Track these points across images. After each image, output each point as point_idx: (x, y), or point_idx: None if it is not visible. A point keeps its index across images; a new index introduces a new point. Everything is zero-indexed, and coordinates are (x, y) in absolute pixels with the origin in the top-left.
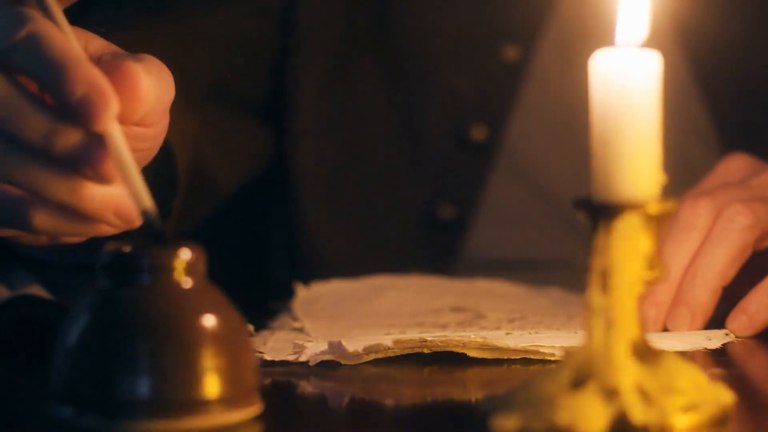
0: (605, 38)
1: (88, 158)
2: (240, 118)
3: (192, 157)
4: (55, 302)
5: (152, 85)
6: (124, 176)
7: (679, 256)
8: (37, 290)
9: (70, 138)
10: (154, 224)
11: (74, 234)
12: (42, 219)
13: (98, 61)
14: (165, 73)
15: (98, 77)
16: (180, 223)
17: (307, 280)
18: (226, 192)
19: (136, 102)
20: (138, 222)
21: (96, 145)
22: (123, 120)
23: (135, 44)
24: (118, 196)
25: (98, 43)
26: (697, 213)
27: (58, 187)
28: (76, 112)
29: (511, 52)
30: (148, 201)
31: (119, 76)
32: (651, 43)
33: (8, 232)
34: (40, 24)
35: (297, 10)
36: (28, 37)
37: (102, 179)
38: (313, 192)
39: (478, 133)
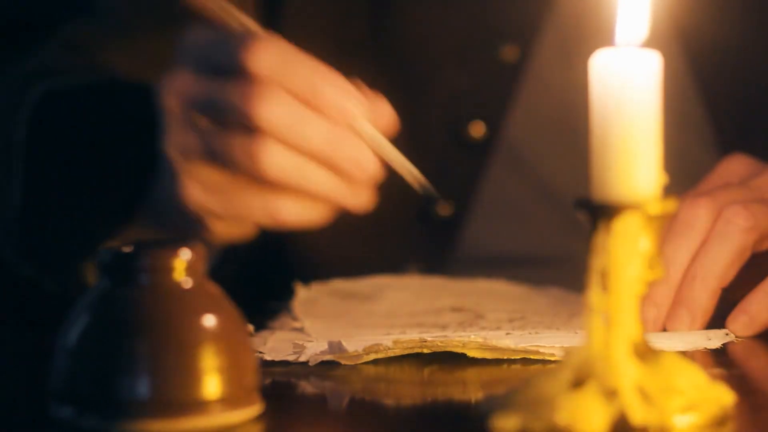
0: (603, 38)
1: (362, 161)
2: None
3: None
4: None
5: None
6: (391, 162)
7: (679, 256)
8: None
9: (347, 142)
10: (429, 191)
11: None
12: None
13: None
14: None
15: (346, 83)
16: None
17: (304, 279)
18: None
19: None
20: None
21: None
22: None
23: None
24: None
25: None
26: (696, 213)
27: (335, 189)
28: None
29: (509, 53)
30: (417, 173)
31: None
32: (651, 43)
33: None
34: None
35: (289, 7)
36: (265, 46)
37: (371, 179)
38: None
39: (476, 130)
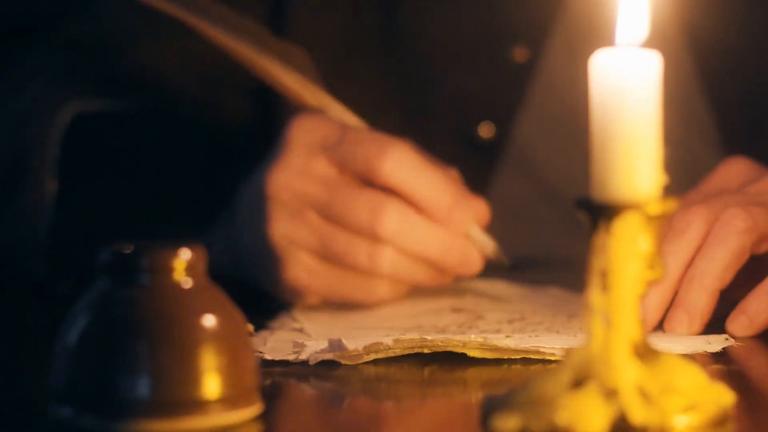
0: (612, 39)
1: (470, 263)
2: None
3: None
4: None
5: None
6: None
7: (671, 261)
8: None
9: (457, 247)
10: (503, 261)
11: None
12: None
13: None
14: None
15: (459, 189)
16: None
17: None
18: None
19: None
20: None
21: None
22: None
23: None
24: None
25: None
26: (690, 220)
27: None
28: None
29: (519, 53)
30: (492, 246)
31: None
32: (656, 43)
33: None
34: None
35: (296, 7)
36: (396, 154)
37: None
38: None
39: (485, 131)
